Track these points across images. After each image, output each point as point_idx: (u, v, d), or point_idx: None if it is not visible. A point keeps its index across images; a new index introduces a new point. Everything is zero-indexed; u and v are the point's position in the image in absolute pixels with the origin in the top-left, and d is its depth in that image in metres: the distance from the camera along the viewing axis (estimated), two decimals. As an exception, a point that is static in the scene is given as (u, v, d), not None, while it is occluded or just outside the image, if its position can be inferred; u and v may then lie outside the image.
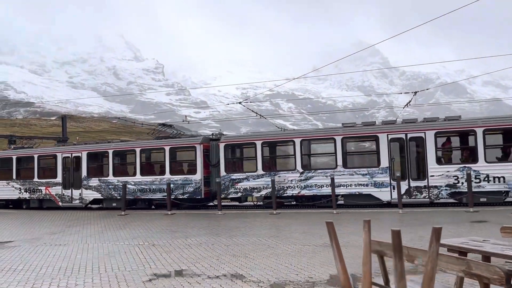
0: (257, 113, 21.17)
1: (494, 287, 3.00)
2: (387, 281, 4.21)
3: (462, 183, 14.94)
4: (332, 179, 15.35)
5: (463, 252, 4.13)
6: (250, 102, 21.16)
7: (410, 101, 17.89)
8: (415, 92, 17.90)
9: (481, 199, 14.94)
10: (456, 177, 15.11)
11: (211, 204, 19.43)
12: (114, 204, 19.45)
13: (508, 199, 15.29)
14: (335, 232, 2.01)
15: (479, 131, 15.04)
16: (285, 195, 16.77)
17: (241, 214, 15.78)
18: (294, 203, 17.20)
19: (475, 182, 14.76)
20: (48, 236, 11.99)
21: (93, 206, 20.96)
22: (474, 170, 14.89)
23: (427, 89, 22.23)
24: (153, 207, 19.39)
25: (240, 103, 21.13)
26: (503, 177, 14.64)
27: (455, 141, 16.36)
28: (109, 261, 8.15)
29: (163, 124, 19.87)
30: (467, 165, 15.08)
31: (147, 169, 19.44)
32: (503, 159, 15.14)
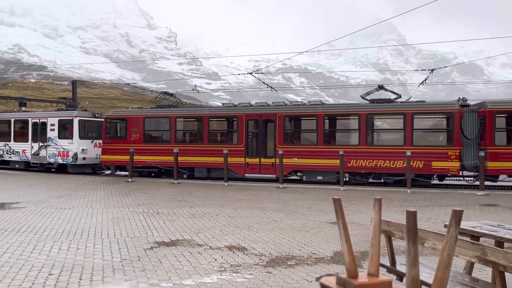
0: (268, 85, 20.77)
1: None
2: (393, 262, 4.05)
3: (4, 154, 22.71)
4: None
5: (475, 236, 3.93)
6: (262, 73, 20.75)
7: (426, 79, 17.35)
8: (432, 70, 17.30)
9: (17, 166, 22.41)
10: (2, 150, 22.83)
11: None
12: None
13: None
14: (343, 210, 1.80)
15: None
16: None
17: (247, 187, 15.71)
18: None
19: (8, 154, 22.63)
20: (54, 199, 12.04)
21: None
22: (10, 146, 22.54)
23: (445, 67, 21.52)
24: None
25: (251, 73, 20.76)
26: (19, 152, 22.01)
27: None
28: (112, 227, 8.12)
29: (165, 93, 21.47)
30: (7, 143, 22.73)
31: None
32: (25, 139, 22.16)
